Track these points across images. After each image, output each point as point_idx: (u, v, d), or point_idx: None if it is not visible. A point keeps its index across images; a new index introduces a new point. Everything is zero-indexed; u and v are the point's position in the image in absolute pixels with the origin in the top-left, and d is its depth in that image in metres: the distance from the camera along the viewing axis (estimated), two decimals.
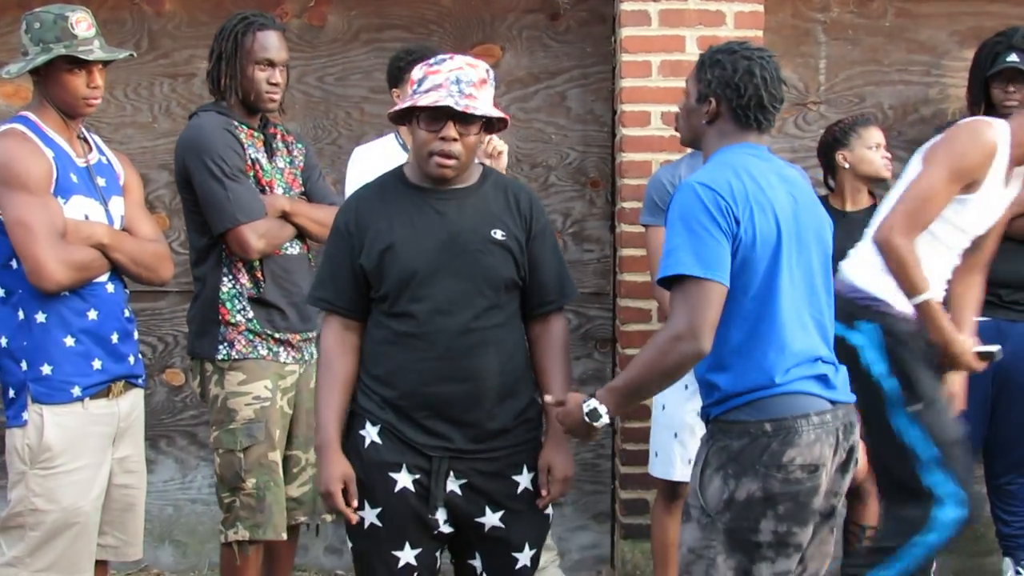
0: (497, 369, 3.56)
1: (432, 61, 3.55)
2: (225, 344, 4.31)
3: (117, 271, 3.99)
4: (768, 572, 3.29)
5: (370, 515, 3.60)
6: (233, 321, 4.31)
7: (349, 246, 3.63)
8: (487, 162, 4.55)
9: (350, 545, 3.69)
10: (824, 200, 5.10)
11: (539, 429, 3.70)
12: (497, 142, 4.64)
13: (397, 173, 3.71)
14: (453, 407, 3.54)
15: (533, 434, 3.69)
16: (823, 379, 3.36)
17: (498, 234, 3.57)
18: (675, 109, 5.17)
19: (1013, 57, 5.11)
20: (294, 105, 5.51)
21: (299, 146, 4.62)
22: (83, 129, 4.06)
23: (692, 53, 5.14)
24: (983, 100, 5.24)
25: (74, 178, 3.91)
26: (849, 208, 5.15)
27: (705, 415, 3.42)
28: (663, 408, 4.84)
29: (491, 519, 3.60)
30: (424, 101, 3.47)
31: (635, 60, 5.27)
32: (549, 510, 3.73)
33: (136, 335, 4.11)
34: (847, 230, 4.95)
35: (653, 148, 5.17)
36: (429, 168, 3.55)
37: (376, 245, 3.58)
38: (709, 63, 3.41)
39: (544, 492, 3.64)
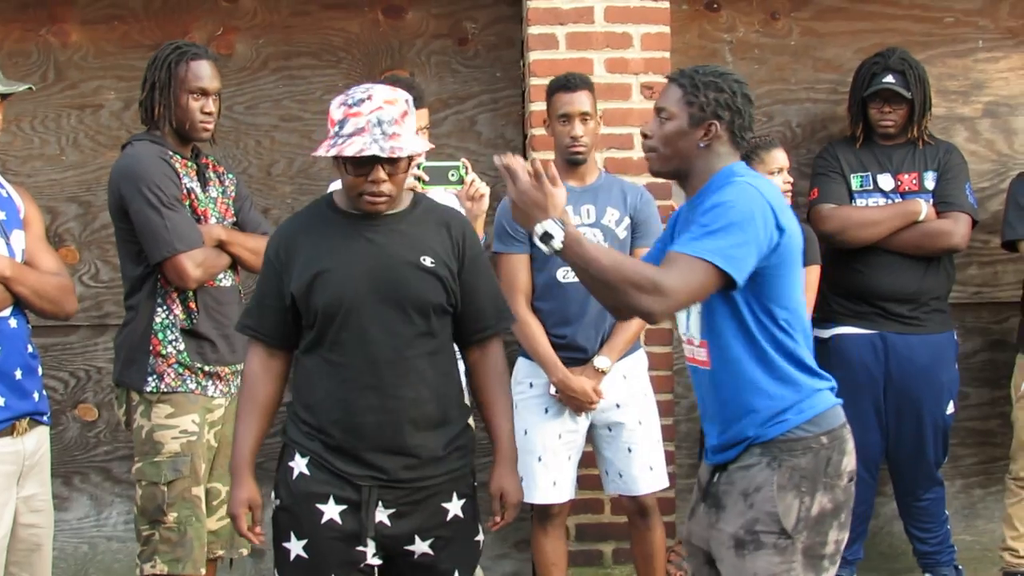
0: (428, 397, 3.54)
1: (352, 101, 3.45)
2: (154, 376, 4.28)
3: (20, 305, 3.90)
4: None
5: (296, 547, 3.56)
6: (164, 352, 4.28)
7: (276, 274, 3.60)
8: (468, 204, 4.51)
9: None
10: None
11: (469, 456, 3.68)
12: (479, 184, 4.52)
13: (327, 200, 3.67)
14: (383, 437, 3.50)
15: (463, 461, 3.65)
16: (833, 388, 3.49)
17: (427, 261, 3.53)
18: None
19: (889, 78, 5.25)
20: None
21: (230, 176, 4.62)
22: None
23: (600, 76, 5.20)
24: (861, 119, 5.36)
25: None
26: None
27: (751, 438, 3.37)
28: (524, 433, 4.82)
29: (420, 547, 3.57)
30: (349, 151, 3.39)
31: (544, 84, 5.24)
32: (480, 536, 3.72)
33: (40, 371, 4.01)
34: None
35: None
36: (360, 206, 3.53)
37: (305, 272, 3.54)
38: (703, 85, 3.39)
39: (498, 518, 3.67)
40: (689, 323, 3.48)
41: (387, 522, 3.53)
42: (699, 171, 3.44)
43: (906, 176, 5.31)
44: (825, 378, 3.45)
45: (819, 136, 5.81)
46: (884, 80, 5.25)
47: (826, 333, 5.33)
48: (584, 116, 4.79)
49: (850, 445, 3.41)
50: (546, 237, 3.24)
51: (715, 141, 3.41)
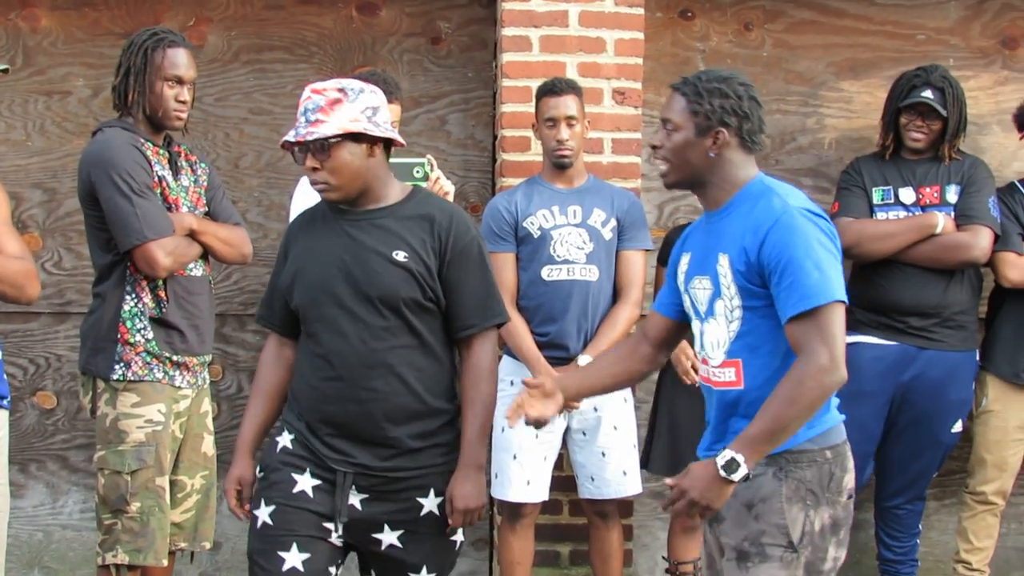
0: (399, 390, 3.57)
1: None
2: (121, 364, 4.24)
3: None
4: None
5: (263, 513, 3.64)
6: (132, 341, 4.25)
7: (280, 267, 3.75)
8: None
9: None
10: None
11: (453, 454, 3.67)
12: (444, 182, 4.57)
13: None
14: (356, 428, 3.57)
15: (446, 458, 3.66)
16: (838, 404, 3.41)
17: (399, 255, 3.57)
18: None
19: (927, 93, 5.23)
20: None
21: (202, 166, 4.58)
22: None
23: (572, 79, 5.17)
24: (892, 131, 5.36)
25: None
26: None
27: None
28: (502, 431, 4.87)
29: (388, 537, 3.62)
30: (281, 142, 3.60)
31: (516, 85, 5.30)
32: (456, 537, 3.73)
33: (0, 355, 4.00)
34: None
35: (533, 173, 5.17)
36: None
37: (291, 267, 3.69)
38: (707, 92, 3.29)
39: (450, 521, 3.64)
40: (704, 342, 3.42)
41: (358, 506, 3.59)
42: (718, 182, 3.35)
43: (927, 189, 5.29)
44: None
45: (788, 148, 5.83)
46: (923, 94, 5.22)
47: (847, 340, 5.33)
48: (570, 120, 4.85)
49: (851, 463, 3.34)
50: (731, 466, 3.11)
51: (725, 148, 3.30)
